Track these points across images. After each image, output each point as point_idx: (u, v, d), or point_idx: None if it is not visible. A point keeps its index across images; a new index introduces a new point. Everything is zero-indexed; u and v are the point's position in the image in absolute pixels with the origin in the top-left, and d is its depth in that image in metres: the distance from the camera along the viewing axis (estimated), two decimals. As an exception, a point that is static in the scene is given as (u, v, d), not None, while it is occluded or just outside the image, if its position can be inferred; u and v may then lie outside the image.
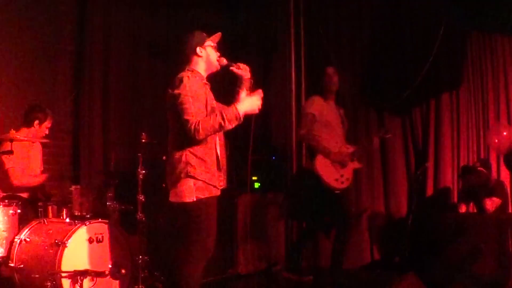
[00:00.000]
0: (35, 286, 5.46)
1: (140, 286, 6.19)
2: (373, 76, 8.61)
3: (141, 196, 6.44)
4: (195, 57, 4.83)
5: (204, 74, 4.88)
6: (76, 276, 5.25)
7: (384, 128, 7.41)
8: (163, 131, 7.78)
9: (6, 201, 5.77)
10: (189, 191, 4.59)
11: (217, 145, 4.78)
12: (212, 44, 4.88)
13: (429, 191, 8.08)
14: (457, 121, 8.02)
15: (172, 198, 4.68)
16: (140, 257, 6.25)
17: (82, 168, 7.57)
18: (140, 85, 8.44)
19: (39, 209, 5.96)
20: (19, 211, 5.77)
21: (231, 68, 4.88)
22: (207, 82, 4.90)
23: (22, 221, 5.84)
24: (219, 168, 4.76)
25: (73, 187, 5.92)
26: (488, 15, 7.15)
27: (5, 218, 5.67)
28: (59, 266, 5.29)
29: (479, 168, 7.32)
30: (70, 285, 5.28)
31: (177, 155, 4.66)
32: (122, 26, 8.25)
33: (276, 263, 7.88)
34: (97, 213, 5.84)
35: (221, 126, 4.55)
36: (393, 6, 8.35)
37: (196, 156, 4.63)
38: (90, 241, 5.56)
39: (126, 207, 6.39)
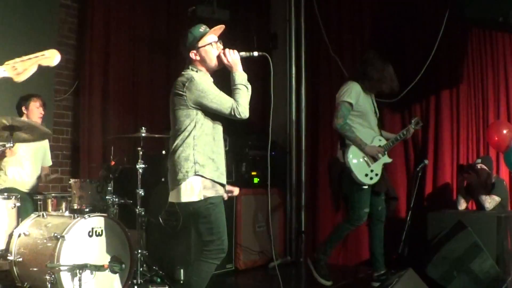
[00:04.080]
0: (34, 280, 5.46)
1: (138, 280, 6.20)
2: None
3: (140, 190, 6.45)
4: (193, 58, 4.78)
5: (208, 73, 4.84)
6: (75, 269, 5.24)
7: (417, 118, 7.30)
8: (163, 126, 7.84)
9: (5, 194, 5.76)
10: (197, 190, 4.58)
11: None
12: (210, 42, 4.77)
13: (428, 188, 8.09)
14: (457, 118, 8.01)
15: (177, 198, 4.66)
16: (139, 251, 6.26)
17: (81, 162, 7.57)
18: (140, 80, 8.44)
19: (38, 203, 5.95)
20: (18, 204, 5.77)
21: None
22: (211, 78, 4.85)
23: (21, 215, 5.85)
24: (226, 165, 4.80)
25: (72, 181, 5.93)
26: (489, 11, 7.14)
27: (5, 211, 5.66)
28: (58, 260, 5.28)
29: (478, 165, 7.32)
30: (69, 279, 5.28)
31: (184, 153, 4.63)
32: (122, 20, 8.24)
33: (276, 258, 7.88)
34: (96, 206, 5.84)
35: (248, 92, 4.70)
36: (393, 3, 8.35)
37: (204, 154, 4.63)
38: (89, 234, 5.55)
39: (125, 201, 6.40)
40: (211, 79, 4.81)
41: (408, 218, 7.54)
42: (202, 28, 4.79)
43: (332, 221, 8.67)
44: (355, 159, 6.67)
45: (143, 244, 6.55)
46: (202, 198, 4.57)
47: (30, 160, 6.48)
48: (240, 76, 4.71)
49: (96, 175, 6.32)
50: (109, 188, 6.13)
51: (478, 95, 7.95)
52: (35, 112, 6.43)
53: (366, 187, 6.73)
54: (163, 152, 7.28)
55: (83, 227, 5.52)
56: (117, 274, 5.67)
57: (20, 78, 3.84)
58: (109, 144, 7.30)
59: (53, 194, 6.17)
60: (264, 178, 8.11)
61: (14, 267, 5.59)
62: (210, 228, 4.63)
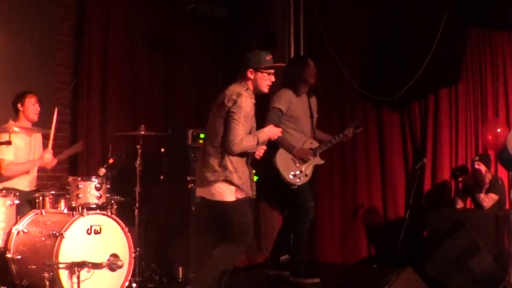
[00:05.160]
0: (33, 277, 5.45)
1: (137, 278, 6.20)
2: (372, 71, 8.61)
3: (139, 188, 6.45)
4: (248, 75, 5.34)
5: (253, 91, 5.40)
6: (74, 267, 5.22)
7: (358, 121, 7.36)
8: (161, 124, 7.83)
9: (4, 191, 5.75)
10: (229, 192, 5.22)
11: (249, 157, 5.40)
12: (269, 72, 5.37)
13: (427, 186, 8.10)
14: (456, 116, 8.02)
15: (209, 196, 5.28)
16: (138, 249, 6.26)
17: (80, 160, 7.56)
18: (138, 78, 8.43)
19: (37, 200, 5.94)
20: (17, 202, 5.75)
21: None
22: (254, 100, 5.38)
23: (20, 212, 5.84)
24: (250, 178, 5.39)
25: (71, 178, 5.90)
26: (488, 10, 7.15)
27: (3, 209, 5.65)
28: (57, 257, 5.26)
29: (475, 164, 7.32)
30: (68, 277, 5.27)
31: (217, 158, 5.23)
32: (121, 18, 8.23)
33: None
34: (95, 204, 5.83)
35: (253, 148, 5.33)
36: (393, 2, 8.35)
37: (232, 163, 5.21)
38: (88, 232, 5.54)
39: (124, 199, 6.39)
40: (253, 101, 5.34)
41: (407, 216, 7.57)
42: (269, 57, 5.39)
43: (330, 217, 8.70)
44: (282, 161, 6.81)
45: (142, 242, 6.54)
46: (234, 199, 5.23)
47: (26, 156, 6.44)
48: (264, 138, 5.41)
49: (94, 173, 6.30)
50: (107, 186, 6.12)
51: (477, 93, 7.97)
52: (31, 108, 6.40)
53: (295, 186, 6.84)
54: (162, 150, 7.29)
55: (82, 224, 5.51)
56: (116, 272, 5.65)
57: None
58: (108, 142, 7.30)
59: (51, 192, 6.15)
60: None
61: (12, 265, 5.57)
62: (241, 225, 5.27)
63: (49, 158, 6.44)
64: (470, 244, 6.55)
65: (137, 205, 6.45)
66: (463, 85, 8.01)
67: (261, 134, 5.37)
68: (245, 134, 5.19)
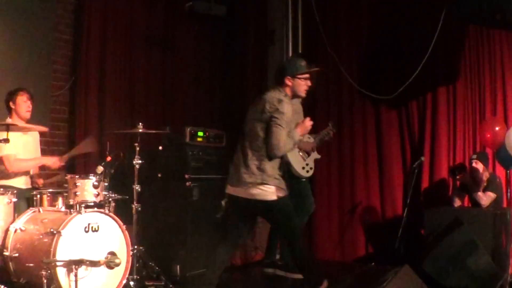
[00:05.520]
0: (30, 275, 5.44)
1: (135, 276, 6.19)
2: (370, 69, 8.61)
3: (136, 186, 6.45)
4: (286, 82, 5.60)
5: (291, 97, 5.67)
6: (71, 265, 5.22)
7: (332, 123, 7.38)
8: (160, 122, 7.83)
9: (1, 189, 5.74)
10: (270, 192, 5.46)
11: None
12: (305, 77, 5.64)
13: (425, 184, 8.10)
14: (454, 115, 8.02)
15: (249, 196, 5.49)
16: (136, 247, 6.26)
17: (77, 158, 7.55)
18: (136, 75, 8.44)
19: (34, 198, 5.93)
20: (14, 199, 5.74)
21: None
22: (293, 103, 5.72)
23: (17, 210, 5.83)
24: (284, 176, 5.64)
25: (68, 176, 5.89)
26: (487, 9, 7.14)
27: (0, 206, 5.63)
28: (54, 255, 5.25)
29: (473, 162, 7.33)
30: (65, 274, 5.26)
31: (257, 161, 5.48)
32: (119, 16, 8.24)
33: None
34: (92, 202, 5.82)
35: (291, 150, 5.84)
36: (391, 0, 8.35)
37: (271, 166, 5.48)
38: (86, 230, 5.53)
39: (122, 197, 6.39)
40: (292, 107, 5.59)
41: (405, 214, 7.56)
42: (304, 63, 5.68)
43: (327, 215, 8.71)
44: (292, 153, 6.81)
45: (140, 240, 6.54)
46: (276, 198, 5.49)
47: (23, 154, 6.42)
48: (298, 137, 5.74)
49: (92, 171, 6.29)
50: (105, 184, 6.12)
51: (475, 92, 7.97)
52: (22, 106, 6.36)
53: (304, 179, 6.99)
54: (160, 147, 7.28)
55: (80, 222, 5.50)
56: (113, 270, 5.64)
57: None
58: (106, 139, 7.29)
59: (49, 190, 6.14)
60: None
61: (10, 263, 5.55)
62: (287, 218, 5.62)
63: (56, 162, 6.46)
64: (467, 242, 6.57)
65: (135, 203, 6.45)
66: (461, 84, 8.00)
67: (295, 135, 5.63)
68: (286, 138, 5.44)
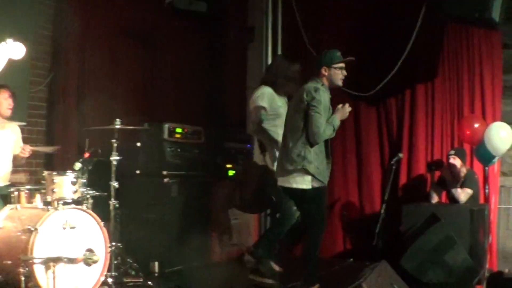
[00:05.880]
0: (7, 272, 5.40)
1: (113, 273, 6.18)
2: (350, 66, 8.61)
3: (114, 183, 6.43)
4: (322, 73, 5.90)
5: (328, 86, 5.96)
6: (49, 262, 5.20)
7: None
8: (138, 118, 7.81)
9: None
10: (306, 181, 5.76)
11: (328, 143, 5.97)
12: (340, 66, 5.95)
13: (403, 180, 8.15)
14: (432, 112, 8.08)
15: (287, 184, 5.87)
16: (113, 243, 6.24)
17: (56, 154, 7.52)
18: (116, 72, 8.40)
19: (12, 195, 5.90)
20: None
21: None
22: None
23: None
24: (328, 164, 5.96)
25: (46, 173, 5.87)
26: (465, 7, 7.17)
27: (-23, 204, 5.62)
28: (32, 252, 5.23)
29: (451, 159, 7.38)
30: (43, 272, 5.24)
31: (297, 149, 5.76)
32: (100, 11, 8.18)
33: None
34: (70, 199, 5.80)
35: (332, 135, 5.85)
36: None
37: (311, 154, 5.75)
38: (63, 227, 5.51)
39: (99, 194, 6.36)
40: (329, 96, 5.92)
41: (383, 210, 7.60)
42: (339, 53, 5.98)
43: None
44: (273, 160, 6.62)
45: (118, 236, 6.53)
46: (310, 188, 5.80)
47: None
48: (337, 123, 5.88)
49: (70, 167, 6.26)
50: (83, 181, 6.09)
51: (453, 89, 8.04)
52: (3, 104, 6.32)
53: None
54: (138, 144, 7.26)
55: (57, 219, 5.48)
56: (91, 267, 5.63)
57: None
58: (84, 136, 7.26)
59: (27, 187, 6.11)
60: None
61: (-13, 260, 5.55)
62: (318, 210, 5.92)
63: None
64: (445, 238, 6.62)
65: (112, 199, 6.43)
66: (440, 81, 8.07)
67: (335, 120, 5.84)
68: (325, 125, 5.72)
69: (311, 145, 5.74)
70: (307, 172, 5.74)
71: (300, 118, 5.80)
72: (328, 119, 5.78)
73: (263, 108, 6.66)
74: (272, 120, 6.71)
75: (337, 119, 5.85)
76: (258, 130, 6.71)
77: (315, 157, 5.77)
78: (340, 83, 6.00)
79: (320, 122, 5.68)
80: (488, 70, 7.83)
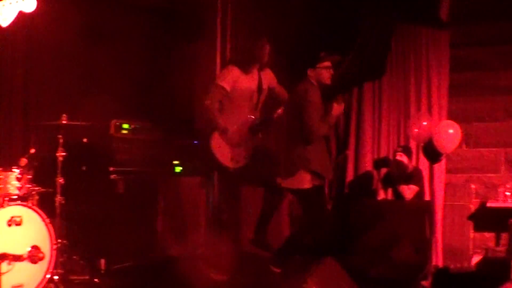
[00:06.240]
0: (-50, 270, 5.33)
1: (59, 270, 6.10)
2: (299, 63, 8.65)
3: (60, 179, 6.35)
4: (309, 74, 6.28)
5: (317, 86, 6.27)
6: (-6, 259, 5.15)
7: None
8: (85, 113, 7.72)
9: None
10: (306, 180, 6.05)
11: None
12: (325, 66, 6.29)
13: (350, 178, 8.21)
14: (379, 110, 8.16)
15: (290, 185, 6.22)
16: (59, 240, 6.17)
17: (1, 150, 7.40)
18: (63, 66, 8.28)
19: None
20: None
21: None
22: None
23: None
24: (330, 160, 6.64)
25: (-10, 169, 5.78)
26: (413, 7, 7.26)
27: None
28: (-24, 250, 5.17)
29: (397, 155, 7.47)
30: (-13, 269, 5.18)
31: (297, 149, 6.09)
32: (47, 4, 8.05)
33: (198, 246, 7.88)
34: (16, 195, 5.72)
35: (327, 132, 6.45)
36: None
37: (311, 152, 6.05)
38: (8, 224, 5.44)
39: (45, 190, 6.28)
40: (319, 93, 6.21)
41: (330, 207, 7.65)
42: (323, 54, 6.32)
43: (252, 208, 8.73)
44: (218, 143, 6.72)
45: (64, 233, 6.45)
46: (311, 186, 6.11)
47: None
48: (333, 120, 6.39)
49: (15, 163, 6.16)
50: (29, 177, 6.01)
51: (400, 87, 8.12)
52: None
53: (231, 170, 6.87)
54: (84, 140, 7.18)
55: (2, 216, 5.41)
56: (37, 264, 5.57)
57: (5, 23, 3.82)
58: (30, 131, 7.16)
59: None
60: (187, 167, 8.10)
61: None
62: (318, 207, 6.34)
63: None
64: (391, 234, 6.69)
65: (58, 196, 6.35)
66: (387, 79, 8.14)
67: (330, 118, 6.23)
68: (318, 122, 6.04)
69: (308, 144, 6.03)
70: (308, 172, 6.05)
71: (296, 120, 6.11)
72: (322, 117, 6.10)
73: (222, 87, 6.70)
74: (229, 102, 6.76)
75: (332, 117, 6.25)
76: (207, 106, 6.72)
77: (315, 154, 6.08)
78: (328, 81, 6.29)
79: (312, 120, 5.99)
80: (435, 69, 7.96)
